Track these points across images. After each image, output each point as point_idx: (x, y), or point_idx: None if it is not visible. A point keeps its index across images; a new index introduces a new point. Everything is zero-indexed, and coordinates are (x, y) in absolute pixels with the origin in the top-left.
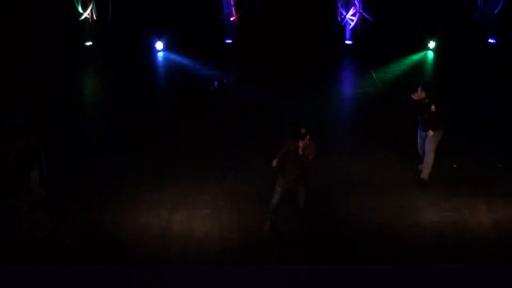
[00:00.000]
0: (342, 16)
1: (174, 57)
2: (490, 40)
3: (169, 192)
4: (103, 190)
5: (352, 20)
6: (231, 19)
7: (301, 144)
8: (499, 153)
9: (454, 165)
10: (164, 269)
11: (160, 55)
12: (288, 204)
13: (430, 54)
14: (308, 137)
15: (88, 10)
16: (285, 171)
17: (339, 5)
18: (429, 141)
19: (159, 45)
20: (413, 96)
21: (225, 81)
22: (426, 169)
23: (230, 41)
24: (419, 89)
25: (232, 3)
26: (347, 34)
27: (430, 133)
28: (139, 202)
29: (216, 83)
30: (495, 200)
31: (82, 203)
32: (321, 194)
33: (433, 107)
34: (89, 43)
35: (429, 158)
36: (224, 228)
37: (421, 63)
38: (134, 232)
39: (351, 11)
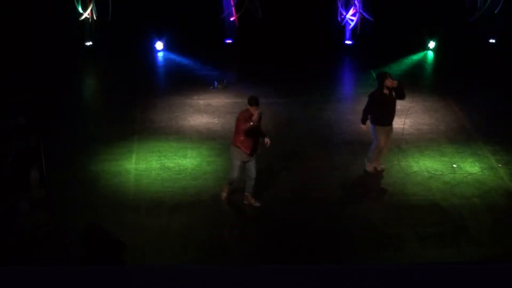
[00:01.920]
0: (342, 16)
1: (174, 57)
2: (490, 40)
3: (169, 191)
4: (103, 190)
5: (352, 20)
6: (231, 19)
7: (251, 109)
8: (499, 153)
9: (454, 165)
10: (164, 269)
11: (160, 55)
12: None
13: (430, 54)
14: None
15: (88, 10)
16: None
17: (339, 5)
18: (391, 132)
19: (159, 45)
20: (388, 85)
21: (225, 81)
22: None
23: (230, 41)
24: (378, 82)
25: (232, 3)
26: (347, 34)
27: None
28: (139, 202)
29: (216, 83)
30: None
31: (82, 203)
32: (319, 194)
33: (393, 93)
34: (89, 43)
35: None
36: (224, 228)
37: (421, 63)
38: (134, 232)
39: (351, 11)
